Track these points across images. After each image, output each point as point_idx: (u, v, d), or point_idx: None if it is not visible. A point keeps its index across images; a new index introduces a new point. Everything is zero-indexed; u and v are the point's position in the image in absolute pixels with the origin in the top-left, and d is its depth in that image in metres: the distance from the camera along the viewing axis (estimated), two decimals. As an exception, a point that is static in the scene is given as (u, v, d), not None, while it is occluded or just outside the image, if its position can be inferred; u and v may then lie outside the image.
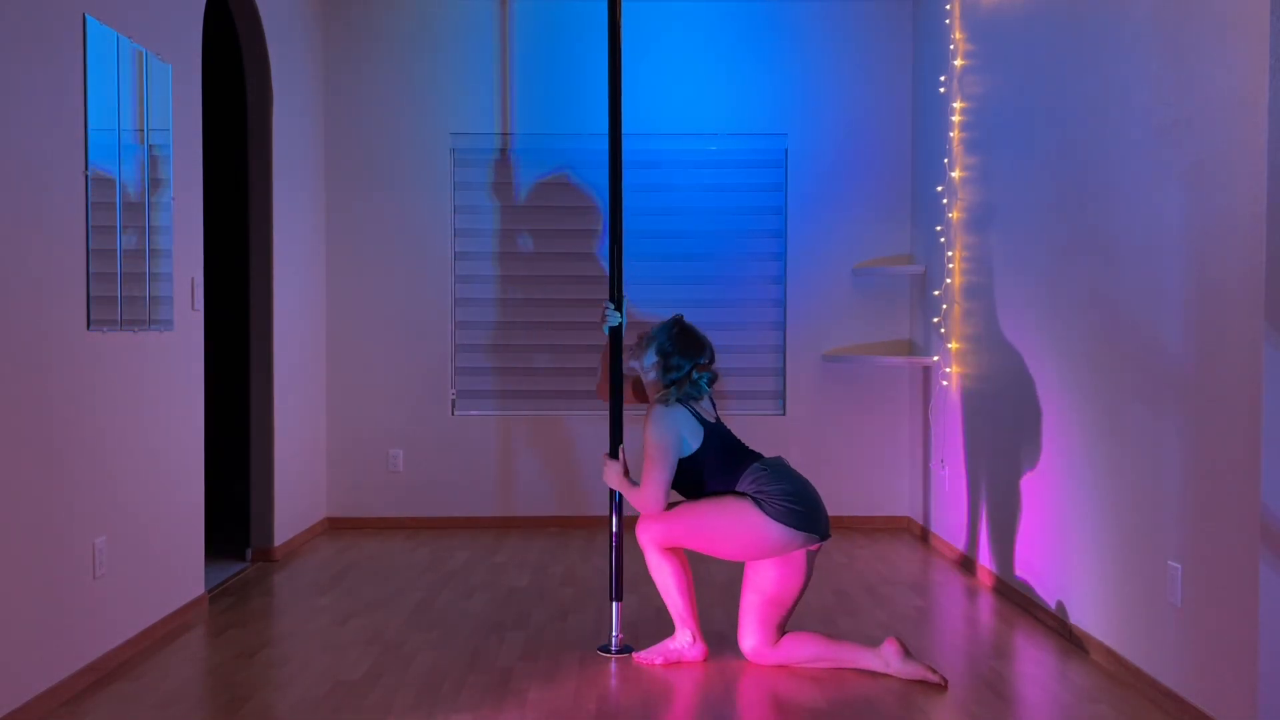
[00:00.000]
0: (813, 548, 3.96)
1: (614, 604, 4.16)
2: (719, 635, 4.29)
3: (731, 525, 3.90)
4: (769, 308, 6.69)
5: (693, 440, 3.97)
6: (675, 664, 3.98)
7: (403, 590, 5.03)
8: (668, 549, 4.00)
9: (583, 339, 6.54)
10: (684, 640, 4.02)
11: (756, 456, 4.02)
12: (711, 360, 4.12)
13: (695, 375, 4.06)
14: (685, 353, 4.06)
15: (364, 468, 6.59)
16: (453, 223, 6.63)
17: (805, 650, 3.92)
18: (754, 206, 6.68)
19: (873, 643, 3.97)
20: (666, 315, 4.27)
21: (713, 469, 3.98)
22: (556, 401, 6.63)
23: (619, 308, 4.22)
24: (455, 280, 6.64)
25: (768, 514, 3.85)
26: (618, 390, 4.26)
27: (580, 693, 3.68)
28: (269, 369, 5.67)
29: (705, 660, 4.00)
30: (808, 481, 4.00)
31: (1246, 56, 3.10)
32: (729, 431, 4.09)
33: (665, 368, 4.05)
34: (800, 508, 3.87)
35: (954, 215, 5.71)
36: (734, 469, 3.98)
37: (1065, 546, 4.30)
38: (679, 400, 4.02)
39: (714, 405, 4.20)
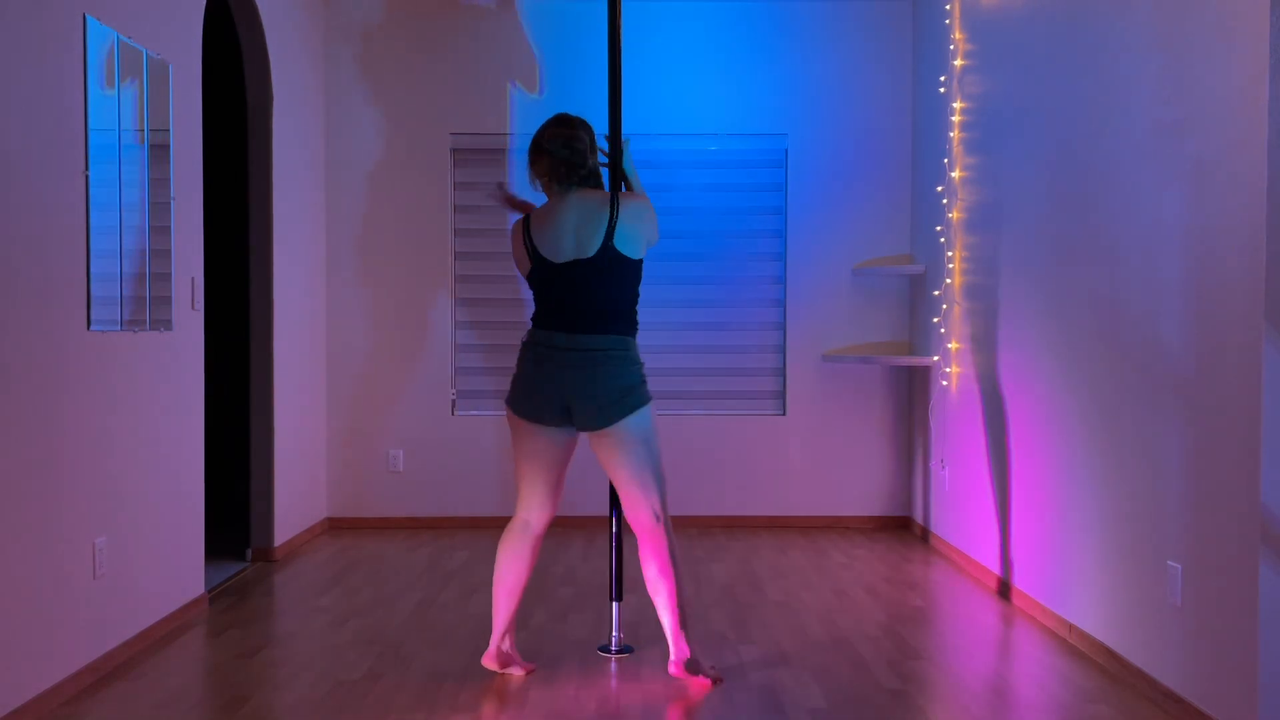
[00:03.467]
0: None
1: (614, 604, 4.16)
2: (719, 635, 4.29)
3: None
4: (769, 308, 6.69)
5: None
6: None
7: (403, 590, 5.03)
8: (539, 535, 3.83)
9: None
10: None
11: None
12: None
13: None
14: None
15: (364, 468, 6.59)
16: (453, 223, 6.63)
17: (660, 558, 3.75)
18: (754, 206, 6.68)
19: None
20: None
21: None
22: (556, 401, 6.62)
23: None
24: (455, 280, 6.64)
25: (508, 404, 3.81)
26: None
27: (580, 693, 3.67)
28: (269, 369, 5.67)
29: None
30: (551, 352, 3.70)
31: (1246, 56, 3.10)
32: None
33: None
34: (517, 391, 3.76)
35: (954, 215, 5.71)
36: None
37: (1065, 546, 4.30)
38: None
39: None
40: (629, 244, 3.69)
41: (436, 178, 6.60)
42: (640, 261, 3.74)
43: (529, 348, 3.75)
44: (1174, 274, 3.49)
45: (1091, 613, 4.08)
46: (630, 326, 3.75)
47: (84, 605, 3.76)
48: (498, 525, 6.51)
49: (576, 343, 3.66)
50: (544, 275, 3.72)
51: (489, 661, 3.83)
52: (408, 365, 6.61)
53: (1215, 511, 3.26)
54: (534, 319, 3.79)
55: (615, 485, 3.79)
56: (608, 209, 3.69)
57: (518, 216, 3.84)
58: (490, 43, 6.58)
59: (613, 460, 3.71)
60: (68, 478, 3.67)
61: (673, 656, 3.77)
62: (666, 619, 3.76)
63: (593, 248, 3.66)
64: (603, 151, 3.98)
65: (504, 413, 6.55)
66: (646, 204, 3.80)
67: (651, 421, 3.73)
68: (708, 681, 3.74)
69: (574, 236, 3.69)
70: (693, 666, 3.74)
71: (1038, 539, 4.57)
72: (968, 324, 5.53)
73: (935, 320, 5.98)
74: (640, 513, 3.73)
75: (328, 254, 6.56)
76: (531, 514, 3.81)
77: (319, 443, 6.47)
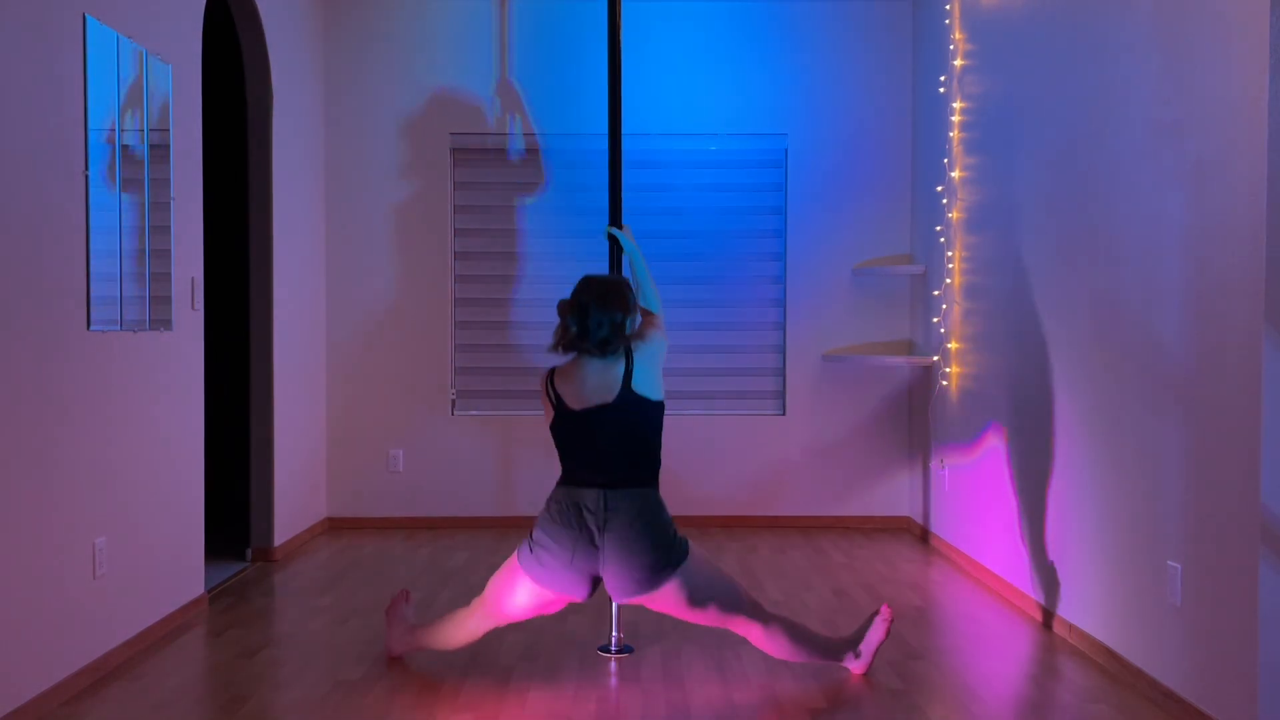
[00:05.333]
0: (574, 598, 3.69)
1: (614, 604, 4.16)
2: (718, 635, 4.29)
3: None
4: (769, 308, 6.69)
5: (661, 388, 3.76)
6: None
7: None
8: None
9: (583, 339, 6.54)
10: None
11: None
12: None
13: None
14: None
15: (364, 468, 6.59)
16: (453, 223, 6.64)
17: (781, 647, 3.78)
18: (754, 206, 6.68)
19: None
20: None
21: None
22: (556, 401, 6.62)
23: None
24: (455, 280, 6.64)
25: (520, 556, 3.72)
26: None
27: (580, 693, 3.68)
28: (269, 369, 5.67)
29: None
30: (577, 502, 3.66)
31: (1246, 56, 3.10)
32: None
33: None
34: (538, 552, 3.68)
35: (954, 215, 5.71)
36: None
37: (1065, 546, 4.30)
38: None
39: None
40: (647, 386, 3.68)
41: (436, 178, 6.60)
42: (661, 403, 3.72)
43: (556, 505, 3.67)
44: (1174, 274, 3.49)
45: (1091, 613, 4.08)
46: (655, 474, 3.70)
47: (84, 605, 3.76)
48: (497, 525, 6.53)
49: (607, 502, 3.58)
50: (567, 423, 3.70)
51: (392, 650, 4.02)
52: (408, 365, 6.61)
53: (1215, 511, 3.26)
54: (560, 479, 3.74)
55: None
56: (622, 359, 3.68)
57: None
58: (490, 43, 6.57)
59: (676, 611, 3.69)
60: (68, 478, 3.67)
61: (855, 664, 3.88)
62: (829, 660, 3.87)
63: (613, 393, 3.65)
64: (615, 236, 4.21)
65: (503, 413, 6.62)
66: (658, 332, 3.78)
67: (698, 564, 3.66)
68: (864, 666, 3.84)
69: (595, 385, 3.68)
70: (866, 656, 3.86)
71: (1037, 539, 4.57)
72: (968, 324, 5.53)
73: (935, 320, 5.98)
74: (741, 631, 3.76)
75: (328, 254, 6.56)
76: (482, 625, 3.84)
77: (319, 443, 6.47)
